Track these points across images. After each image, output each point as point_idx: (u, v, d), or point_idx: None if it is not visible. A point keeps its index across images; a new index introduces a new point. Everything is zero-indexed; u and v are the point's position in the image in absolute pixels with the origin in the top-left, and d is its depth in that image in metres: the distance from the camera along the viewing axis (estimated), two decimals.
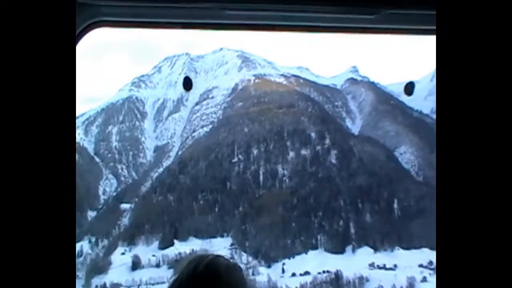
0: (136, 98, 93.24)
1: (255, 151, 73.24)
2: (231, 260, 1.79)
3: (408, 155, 77.80)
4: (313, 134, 74.34)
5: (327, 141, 73.44)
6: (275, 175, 70.73)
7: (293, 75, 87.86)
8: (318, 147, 72.99)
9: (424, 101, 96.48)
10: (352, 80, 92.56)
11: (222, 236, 64.29)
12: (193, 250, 50.05)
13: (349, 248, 62.07)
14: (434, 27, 1.78)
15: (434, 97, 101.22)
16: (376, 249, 61.49)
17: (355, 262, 58.60)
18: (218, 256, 1.80)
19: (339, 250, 61.82)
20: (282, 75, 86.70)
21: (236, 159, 72.61)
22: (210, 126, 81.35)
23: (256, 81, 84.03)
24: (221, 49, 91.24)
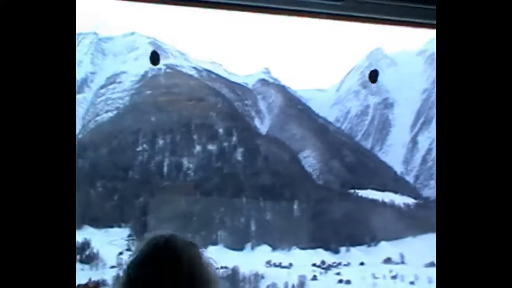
0: None
1: (160, 142, 71.15)
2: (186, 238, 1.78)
3: (311, 159, 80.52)
4: (221, 130, 74.05)
5: (234, 138, 73.56)
6: (180, 167, 69.25)
7: (206, 69, 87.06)
8: (225, 143, 72.84)
9: (330, 109, 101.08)
10: (264, 81, 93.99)
11: (119, 226, 61.39)
12: (85, 239, 47.02)
13: (248, 245, 62.63)
14: (399, 18, 2.06)
15: (339, 106, 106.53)
16: (274, 247, 62.66)
17: (253, 259, 59.25)
18: (174, 234, 1.80)
19: (239, 247, 62.10)
20: (194, 68, 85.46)
21: (140, 148, 69.94)
22: (115, 112, 77.54)
23: (167, 70, 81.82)
24: (133, 33, 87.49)
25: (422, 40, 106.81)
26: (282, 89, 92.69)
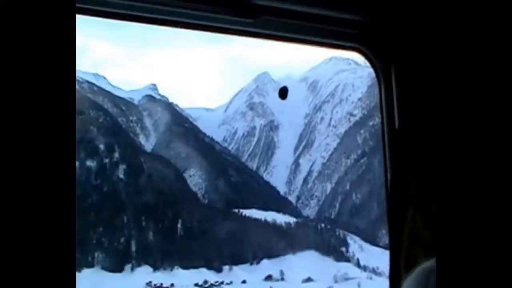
0: None
1: None
2: None
3: (196, 178, 79.75)
4: (101, 146, 70.21)
5: (116, 154, 70.20)
6: None
7: (87, 81, 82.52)
8: (106, 160, 69.12)
9: (218, 129, 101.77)
10: (150, 98, 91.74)
11: None
12: None
13: (128, 267, 59.61)
14: (310, 38, 2.29)
15: (226, 126, 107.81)
16: (156, 268, 60.41)
17: (133, 281, 56.53)
18: None
19: (118, 269, 58.79)
20: None
21: None
22: None
23: None
24: None
25: (305, 67, 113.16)
26: (169, 107, 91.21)
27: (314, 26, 2.37)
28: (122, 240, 61.71)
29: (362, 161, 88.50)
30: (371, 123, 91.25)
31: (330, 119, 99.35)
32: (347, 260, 67.66)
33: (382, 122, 2.45)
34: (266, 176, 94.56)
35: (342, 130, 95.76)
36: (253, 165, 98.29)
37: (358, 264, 66.84)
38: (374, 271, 65.68)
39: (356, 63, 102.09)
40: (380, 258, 69.96)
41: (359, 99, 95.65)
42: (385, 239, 78.86)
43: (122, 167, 69.44)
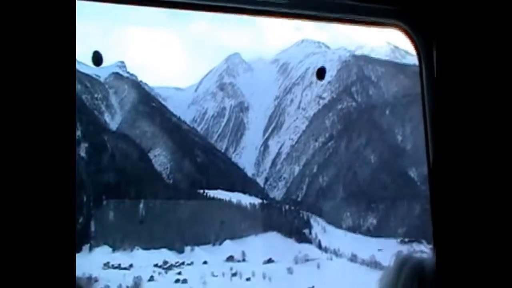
0: None
1: None
2: None
3: (161, 157, 79.01)
4: None
5: (78, 132, 68.86)
6: None
7: None
8: None
9: (187, 109, 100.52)
10: (117, 75, 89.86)
11: None
12: None
13: (86, 247, 59.02)
14: (345, 16, 2.33)
15: (196, 106, 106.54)
16: (115, 248, 59.99)
17: (90, 261, 55.98)
18: None
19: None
20: None
21: None
22: None
23: None
24: None
25: (276, 49, 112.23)
26: (137, 85, 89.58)
27: (351, 4, 2.32)
28: (81, 220, 61.00)
29: (329, 144, 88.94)
30: (339, 107, 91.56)
31: (300, 102, 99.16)
32: (309, 241, 68.36)
33: (423, 103, 2.34)
34: (235, 158, 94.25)
35: (311, 112, 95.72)
36: (222, 146, 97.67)
37: (319, 246, 67.62)
38: (335, 253, 66.63)
39: (327, 46, 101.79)
40: (342, 240, 70.92)
41: (329, 82, 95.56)
42: (349, 221, 79.90)
43: (84, 145, 68.22)
